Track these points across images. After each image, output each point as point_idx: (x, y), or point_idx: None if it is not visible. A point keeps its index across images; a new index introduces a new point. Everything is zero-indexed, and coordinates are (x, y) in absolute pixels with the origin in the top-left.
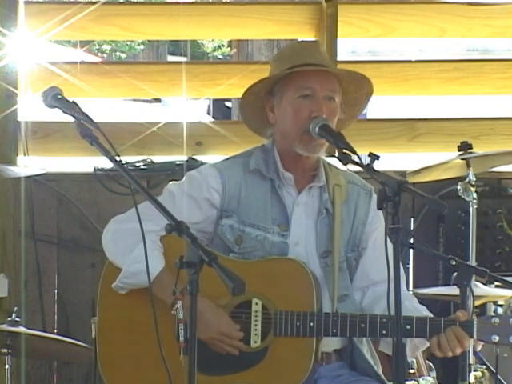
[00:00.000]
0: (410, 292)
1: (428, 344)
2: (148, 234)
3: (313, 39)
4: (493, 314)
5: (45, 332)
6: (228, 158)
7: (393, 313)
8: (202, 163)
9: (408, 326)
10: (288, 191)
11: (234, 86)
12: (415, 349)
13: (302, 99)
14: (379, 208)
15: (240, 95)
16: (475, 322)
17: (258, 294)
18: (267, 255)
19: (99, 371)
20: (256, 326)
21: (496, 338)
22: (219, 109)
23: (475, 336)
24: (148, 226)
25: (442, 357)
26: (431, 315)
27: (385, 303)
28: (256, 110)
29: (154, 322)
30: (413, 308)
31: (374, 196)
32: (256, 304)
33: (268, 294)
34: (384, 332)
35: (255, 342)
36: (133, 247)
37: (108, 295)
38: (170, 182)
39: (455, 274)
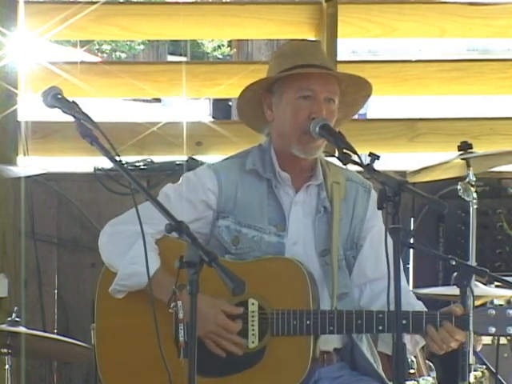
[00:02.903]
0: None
1: None
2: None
3: (313, 39)
4: (489, 305)
5: (45, 332)
6: (224, 159)
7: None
8: (202, 163)
9: (404, 321)
10: (285, 191)
11: (233, 86)
12: (416, 344)
13: (302, 100)
14: (379, 208)
15: None
16: (471, 315)
17: (254, 294)
18: (263, 256)
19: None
20: (253, 326)
21: (493, 330)
22: (219, 109)
23: (471, 328)
24: (144, 229)
25: (441, 353)
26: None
27: (382, 302)
28: (253, 106)
29: (152, 326)
30: (405, 303)
31: (373, 193)
32: (252, 304)
33: (264, 293)
34: (380, 328)
35: (253, 342)
36: (128, 249)
37: (106, 300)
38: (167, 184)
39: (455, 273)
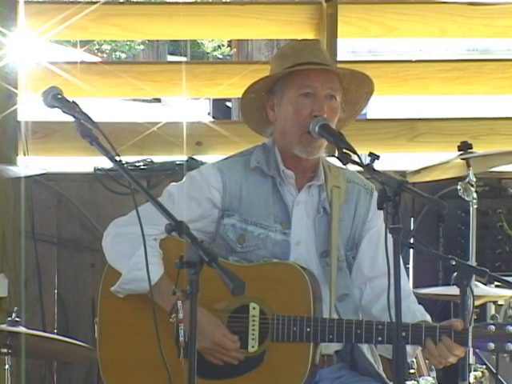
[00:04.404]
0: None
1: None
2: (147, 239)
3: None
4: (490, 320)
5: (45, 332)
6: (228, 157)
7: (392, 312)
8: (202, 163)
9: (404, 333)
10: (288, 190)
11: (233, 86)
12: (415, 347)
13: (302, 97)
14: (379, 208)
15: (240, 95)
16: (470, 330)
17: (256, 299)
18: (269, 254)
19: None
20: (254, 330)
21: (492, 346)
22: (219, 109)
23: (470, 344)
24: (147, 230)
25: (440, 367)
26: (427, 316)
27: (382, 303)
28: (256, 108)
29: (154, 325)
30: (405, 309)
31: (375, 194)
32: (253, 308)
33: (265, 298)
34: (380, 339)
35: (253, 346)
36: (132, 253)
37: (108, 298)
38: (170, 184)
39: (455, 273)
